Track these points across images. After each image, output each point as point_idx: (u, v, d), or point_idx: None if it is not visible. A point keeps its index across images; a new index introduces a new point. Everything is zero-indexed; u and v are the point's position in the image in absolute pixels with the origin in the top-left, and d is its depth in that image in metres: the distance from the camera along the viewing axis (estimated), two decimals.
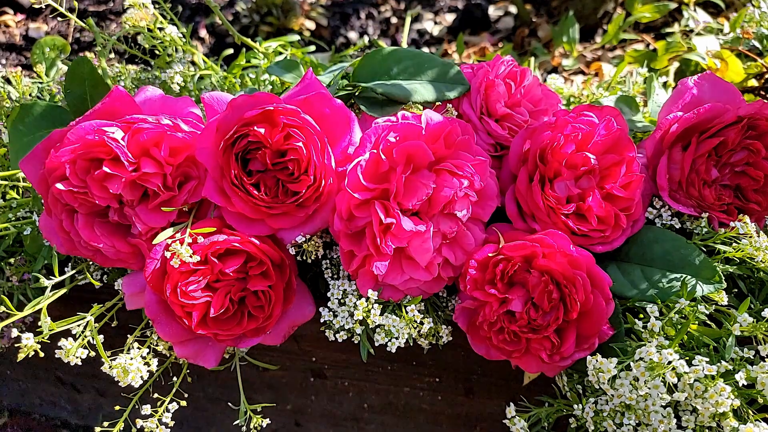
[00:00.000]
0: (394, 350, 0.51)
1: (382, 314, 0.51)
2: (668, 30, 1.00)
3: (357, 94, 0.58)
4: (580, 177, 0.53)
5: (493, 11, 1.37)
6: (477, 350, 0.54)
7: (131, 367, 0.47)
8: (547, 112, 0.59)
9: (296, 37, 0.72)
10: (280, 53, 0.72)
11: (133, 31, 0.71)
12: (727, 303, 0.52)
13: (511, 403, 0.53)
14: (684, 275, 0.51)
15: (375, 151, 0.49)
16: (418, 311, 0.55)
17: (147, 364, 0.49)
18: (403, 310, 0.51)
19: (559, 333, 0.50)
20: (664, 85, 0.74)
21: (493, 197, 0.54)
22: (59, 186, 0.48)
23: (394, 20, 1.40)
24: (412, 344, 0.52)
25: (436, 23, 1.40)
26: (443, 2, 1.45)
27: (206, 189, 0.50)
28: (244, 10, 1.29)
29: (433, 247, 0.51)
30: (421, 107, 0.57)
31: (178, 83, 0.63)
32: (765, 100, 0.52)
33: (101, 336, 0.50)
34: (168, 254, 0.48)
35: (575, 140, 0.52)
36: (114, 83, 0.69)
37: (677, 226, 0.55)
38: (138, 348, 0.50)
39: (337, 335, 0.52)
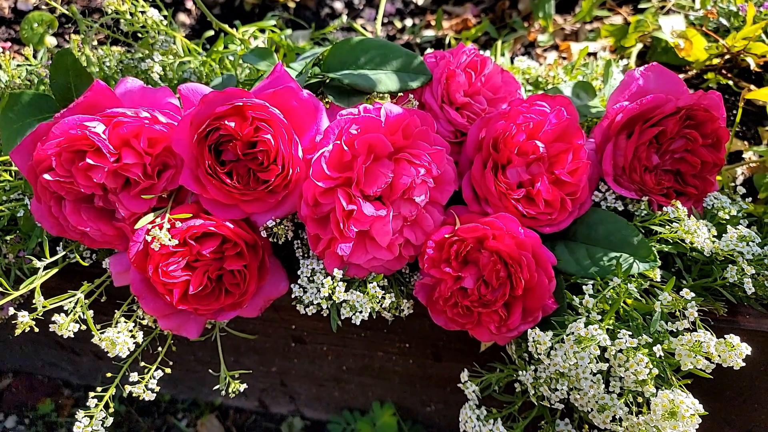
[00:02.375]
0: (358, 323, 0.56)
1: (347, 291, 0.56)
2: (644, 5, 1.02)
3: (326, 83, 0.61)
4: (531, 164, 0.58)
5: None
6: (437, 322, 0.59)
7: (118, 339, 0.52)
8: (505, 99, 0.63)
9: (272, 22, 0.75)
10: (257, 37, 0.75)
11: (115, 16, 0.74)
12: (660, 279, 0.57)
13: (465, 369, 0.59)
14: (623, 254, 0.56)
15: (338, 142, 0.53)
16: (381, 287, 0.61)
17: (133, 336, 0.54)
18: (367, 286, 0.56)
19: (507, 307, 0.55)
20: (625, 68, 0.77)
21: (450, 182, 0.58)
22: (46, 176, 0.52)
23: None
24: (375, 317, 0.57)
25: None
26: None
27: (183, 177, 0.54)
28: None
29: (395, 229, 0.56)
30: (386, 96, 0.61)
31: (158, 72, 0.66)
32: (710, 89, 0.56)
33: (96, 307, 0.55)
34: (149, 238, 0.52)
35: (526, 129, 0.56)
36: (99, 68, 0.72)
37: (620, 209, 0.59)
38: (125, 322, 0.55)
39: (307, 309, 0.57)
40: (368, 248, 0.56)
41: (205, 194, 0.54)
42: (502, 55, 0.80)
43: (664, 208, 0.54)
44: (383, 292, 0.56)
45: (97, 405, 0.56)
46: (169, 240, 0.52)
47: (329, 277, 0.55)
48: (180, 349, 0.89)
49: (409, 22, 1.29)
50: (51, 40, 0.99)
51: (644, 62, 1.00)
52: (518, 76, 0.79)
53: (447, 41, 1.04)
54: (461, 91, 0.60)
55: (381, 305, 0.57)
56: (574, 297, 0.53)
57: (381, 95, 0.60)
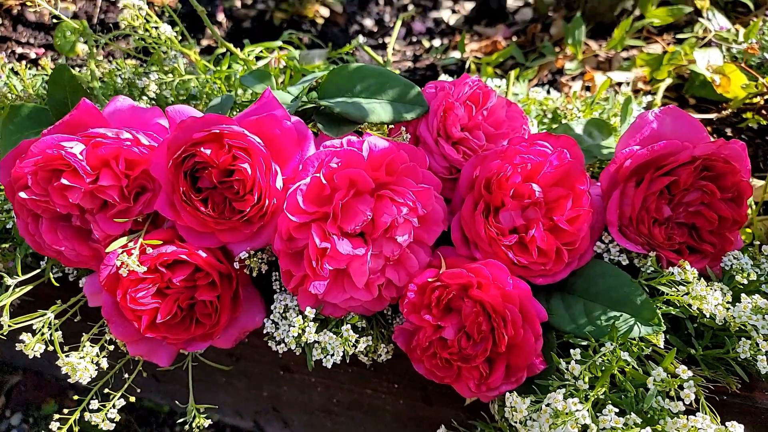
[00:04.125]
0: (329, 366, 0.53)
1: (321, 330, 0.53)
2: (683, 36, 0.95)
3: (318, 110, 0.59)
4: (527, 208, 0.53)
5: (512, 1, 1.33)
6: (417, 370, 0.55)
7: (79, 366, 0.51)
8: (507, 135, 0.59)
9: (278, 43, 0.73)
10: (264, 57, 0.74)
11: (129, 31, 0.74)
12: (666, 344, 0.52)
13: (442, 425, 0.55)
14: (624, 314, 0.51)
15: (317, 175, 0.50)
16: (359, 329, 0.57)
17: (97, 363, 0.53)
18: (343, 327, 0.53)
19: (490, 363, 0.51)
20: (649, 104, 0.72)
21: (438, 222, 0.54)
22: (22, 194, 0.51)
23: (410, 8, 1.38)
24: (348, 361, 0.54)
25: (454, 12, 1.37)
26: None
27: (158, 202, 0.52)
28: None
29: (375, 269, 0.53)
30: (384, 127, 0.58)
31: (153, 91, 0.65)
32: (727, 139, 0.50)
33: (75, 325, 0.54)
34: (119, 263, 0.51)
35: (523, 171, 0.52)
36: (108, 82, 0.72)
37: (625, 263, 0.54)
38: (91, 346, 0.53)
39: (278, 347, 0.54)
40: (346, 287, 0.53)
41: (180, 221, 0.52)
42: (518, 83, 0.76)
43: (670, 269, 0.48)
44: (357, 335, 0.53)
45: (60, 428, 0.55)
46: (138, 266, 0.50)
47: (300, 316, 0.52)
48: (231, 368, 0.88)
49: (437, 42, 1.25)
50: (84, 49, 1.01)
51: (680, 96, 0.94)
52: (534, 108, 0.74)
53: (467, 65, 1.00)
54: (458, 125, 0.57)
55: (356, 348, 0.53)
56: (561, 360, 0.48)
57: (373, 126, 0.57)
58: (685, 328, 0.54)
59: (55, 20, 0.77)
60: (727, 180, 0.51)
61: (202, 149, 0.50)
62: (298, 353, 0.56)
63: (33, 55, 1.18)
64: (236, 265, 0.53)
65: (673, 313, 0.51)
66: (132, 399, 0.56)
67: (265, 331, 0.55)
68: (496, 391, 0.50)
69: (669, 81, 0.81)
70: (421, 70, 1.15)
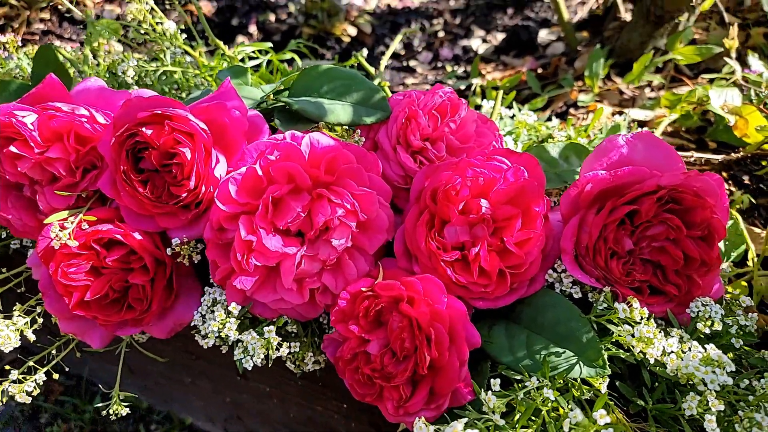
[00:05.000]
0: (249, 368, 0.50)
1: (246, 330, 0.51)
2: (710, 76, 0.89)
3: (278, 107, 0.58)
4: (475, 224, 0.50)
5: (545, 35, 1.30)
6: (346, 383, 0.52)
7: (1, 333, 0.51)
8: (472, 150, 0.56)
9: (269, 44, 0.73)
10: (257, 57, 0.74)
11: (132, 24, 0.76)
12: (613, 391, 0.47)
13: None
14: (568, 351, 0.46)
15: (254, 166, 0.49)
16: (293, 333, 0.55)
17: (21, 332, 0.53)
18: (271, 329, 0.51)
19: (414, 385, 0.47)
20: None
21: (382, 230, 0.51)
22: None
23: (441, 34, 1.37)
24: (271, 365, 0.51)
25: (484, 41, 1.35)
26: (500, 21, 1.40)
27: (101, 180, 0.52)
28: (294, 12, 1.33)
29: (311, 272, 0.50)
30: (343, 128, 0.56)
31: (132, 77, 0.66)
32: (700, 171, 0.45)
33: None
34: (53, 235, 0.51)
35: (474, 185, 0.49)
36: (101, 69, 0.75)
37: (577, 296, 0.49)
38: (21, 317, 0.53)
39: (204, 341, 0.52)
40: (277, 287, 0.51)
41: (119, 201, 0.52)
42: (509, 107, 0.72)
43: (615, 304, 0.43)
44: (280, 338, 0.50)
45: None
46: (71, 241, 0.50)
47: (223, 311, 0.50)
48: (142, 359, 0.87)
49: (461, 69, 1.24)
50: (116, 46, 1.05)
51: (700, 139, 0.88)
52: (525, 131, 0.71)
53: (473, 89, 0.97)
54: (418, 134, 0.54)
55: (278, 352, 0.51)
56: (482, 392, 0.43)
57: (331, 126, 0.55)
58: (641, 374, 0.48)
59: (98, 19, 0.81)
60: (696, 215, 0.46)
61: (144, 129, 0.49)
62: (224, 351, 0.54)
63: (69, 49, 1.24)
64: (168, 252, 0.52)
65: (622, 355, 0.46)
66: (56, 376, 0.55)
67: (192, 323, 0.53)
68: (413, 417, 0.46)
69: (673, 117, 0.75)
70: None
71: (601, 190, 0.48)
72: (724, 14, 1.08)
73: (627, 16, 1.15)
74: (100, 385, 1.15)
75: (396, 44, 0.77)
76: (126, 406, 1.08)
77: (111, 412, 0.55)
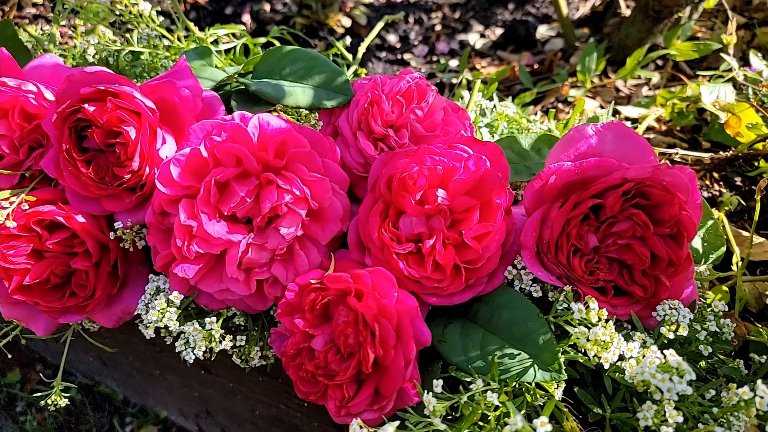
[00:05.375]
0: (191, 360, 0.48)
1: (189, 320, 0.48)
2: (711, 73, 0.85)
3: (238, 89, 0.55)
4: (432, 216, 0.47)
5: (544, 31, 1.27)
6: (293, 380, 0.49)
7: None
8: (437, 138, 0.53)
9: (241, 27, 0.71)
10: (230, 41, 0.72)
11: (107, 6, 0.74)
12: (569, 398, 0.43)
13: None
14: (523, 353, 0.43)
15: (199, 147, 0.46)
16: (242, 326, 0.52)
17: None
18: (215, 320, 0.48)
19: (359, 385, 0.44)
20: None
21: (335, 220, 0.49)
22: None
23: (438, 27, 1.34)
24: (213, 358, 0.49)
25: (482, 36, 1.32)
26: (500, 16, 1.37)
27: (45, 159, 0.50)
28: (289, 2, 1.31)
29: (259, 261, 0.48)
30: (303, 111, 0.54)
31: (92, 55, 0.64)
32: (671, 164, 0.42)
33: None
34: None
35: (431, 173, 0.46)
36: (67, 50, 0.73)
37: (537, 295, 0.46)
38: None
39: (147, 331, 0.50)
40: (223, 277, 0.48)
41: (62, 181, 0.50)
42: (490, 99, 0.69)
43: (571, 304, 0.40)
44: (223, 331, 0.47)
45: None
46: (9, 221, 0.48)
47: (163, 299, 0.47)
48: (114, 350, 0.85)
49: (456, 63, 1.21)
50: (106, 32, 1.04)
51: (693, 138, 0.84)
52: (504, 124, 0.67)
53: (460, 81, 0.94)
54: (380, 121, 0.51)
55: (221, 345, 0.48)
56: (425, 391, 0.40)
57: (289, 109, 0.53)
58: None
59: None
60: (664, 212, 0.42)
61: (86, 106, 0.47)
62: (168, 341, 0.51)
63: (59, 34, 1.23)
64: (111, 236, 0.50)
65: (581, 360, 0.42)
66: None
67: (135, 312, 0.51)
68: (356, 418, 0.43)
69: (660, 112, 0.72)
70: None
71: (566, 183, 0.45)
72: (728, 12, 1.04)
73: (627, 12, 1.11)
74: (78, 375, 1.14)
75: (376, 31, 0.74)
76: (101, 398, 1.06)
77: (50, 402, 0.52)
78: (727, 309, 0.45)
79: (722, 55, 0.81)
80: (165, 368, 0.82)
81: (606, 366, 0.39)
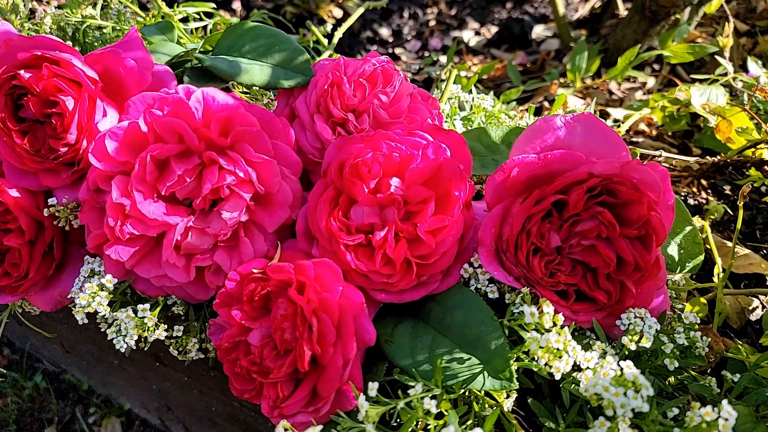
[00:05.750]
0: (123, 349, 0.44)
1: (123, 307, 0.45)
2: (705, 77, 0.82)
3: (193, 66, 0.52)
4: (386, 206, 0.43)
5: (540, 31, 1.24)
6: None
7: None
8: (401, 125, 0.49)
9: (212, 4, 0.68)
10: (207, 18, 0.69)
11: None
12: (520, 409, 0.40)
13: None
14: (474, 358, 0.40)
15: (137, 121, 0.43)
16: (182, 315, 0.49)
17: None
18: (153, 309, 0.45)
19: (296, 384, 0.41)
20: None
21: (284, 206, 0.46)
22: None
23: (432, 23, 1.31)
24: (141, 348, 0.46)
25: (477, 33, 1.29)
26: (497, 15, 1.34)
27: None
28: None
29: (201, 247, 0.45)
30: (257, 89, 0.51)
31: (49, 25, 0.61)
32: (641, 160, 0.39)
33: None
34: None
35: (387, 161, 0.43)
36: (36, 23, 0.70)
37: (494, 296, 0.43)
38: None
39: (78, 316, 0.47)
40: (161, 262, 0.45)
41: None
42: (469, 92, 0.66)
43: (523, 308, 0.37)
44: (156, 319, 0.44)
45: None
46: None
47: (94, 283, 0.44)
48: (75, 337, 0.82)
49: (444, 58, 1.17)
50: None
51: (683, 144, 0.81)
52: (482, 117, 0.64)
53: (443, 73, 0.91)
54: (339, 104, 0.48)
55: (155, 334, 0.45)
56: (360, 394, 0.37)
57: (244, 87, 0.49)
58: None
59: None
60: (632, 211, 0.39)
61: (22, 72, 0.44)
62: (103, 328, 0.48)
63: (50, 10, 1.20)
64: (45, 213, 0.47)
65: (535, 368, 0.39)
66: None
67: (69, 296, 0.47)
68: (289, 420, 0.40)
69: (646, 112, 0.68)
70: (419, 82, 1.07)
71: (530, 177, 0.42)
72: (730, 17, 1.01)
73: (625, 14, 1.08)
74: (44, 362, 1.11)
75: (355, 17, 0.71)
76: (66, 386, 1.03)
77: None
78: (698, 321, 0.42)
79: (717, 58, 0.78)
80: (122, 358, 0.78)
81: (557, 376, 0.35)
